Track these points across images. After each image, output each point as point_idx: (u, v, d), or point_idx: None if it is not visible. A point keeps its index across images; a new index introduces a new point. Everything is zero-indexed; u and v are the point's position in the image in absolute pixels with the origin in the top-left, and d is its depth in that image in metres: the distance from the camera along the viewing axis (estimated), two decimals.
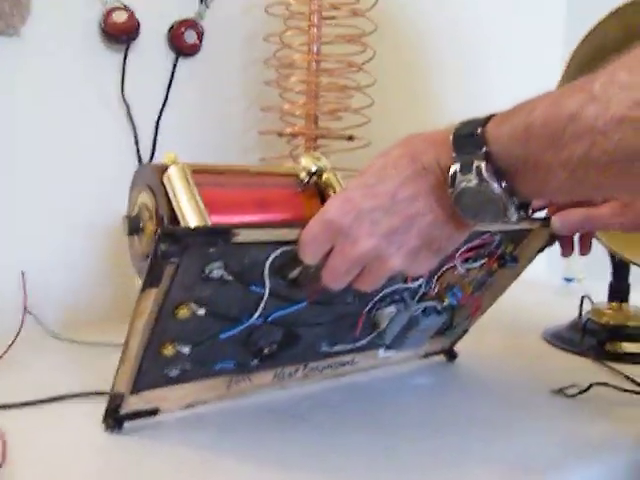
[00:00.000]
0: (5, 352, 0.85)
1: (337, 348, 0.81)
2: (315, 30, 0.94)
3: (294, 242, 0.61)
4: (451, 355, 0.95)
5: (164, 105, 0.98)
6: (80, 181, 0.95)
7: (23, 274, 0.91)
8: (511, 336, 1.09)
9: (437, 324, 0.84)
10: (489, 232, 0.76)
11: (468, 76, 1.32)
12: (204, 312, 0.63)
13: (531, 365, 0.95)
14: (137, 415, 0.70)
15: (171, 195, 0.67)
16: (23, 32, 0.85)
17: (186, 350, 0.66)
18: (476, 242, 0.76)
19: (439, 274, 0.77)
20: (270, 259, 0.61)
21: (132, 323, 0.58)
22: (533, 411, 0.79)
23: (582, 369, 0.93)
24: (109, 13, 0.87)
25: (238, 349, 0.71)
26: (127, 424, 0.69)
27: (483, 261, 0.79)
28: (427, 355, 0.93)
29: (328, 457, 0.65)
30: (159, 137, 0.98)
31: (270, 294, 0.66)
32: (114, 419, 0.68)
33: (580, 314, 1.04)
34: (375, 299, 0.76)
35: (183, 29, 0.94)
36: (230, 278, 0.61)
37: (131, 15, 0.88)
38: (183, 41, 0.94)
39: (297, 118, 1.00)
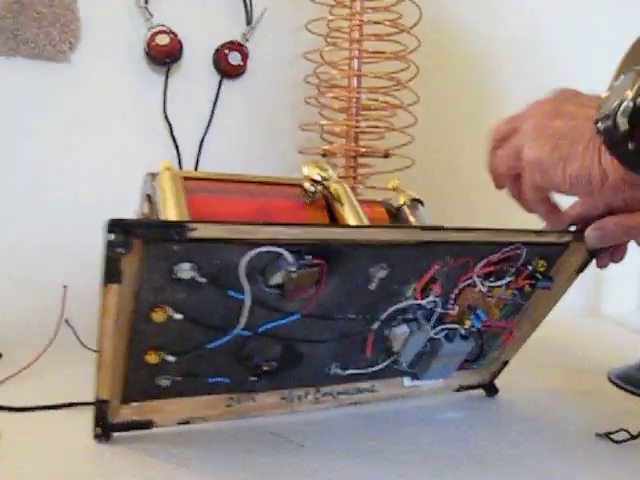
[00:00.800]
0: (35, 360, 0.87)
1: (350, 372, 0.75)
2: (356, 45, 0.92)
3: (272, 243, 0.58)
4: (491, 390, 0.86)
5: (209, 125, 0.99)
6: (121, 199, 0.97)
7: (65, 287, 0.94)
8: (571, 374, 0.98)
9: (464, 351, 0.77)
10: (511, 244, 0.68)
11: (513, 93, 1.24)
12: (182, 317, 0.60)
13: (584, 406, 0.85)
14: (130, 426, 0.68)
15: (159, 200, 0.66)
16: (72, 58, 0.90)
17: (171, 359, 0.64)
18: (496, 255, 0.69)
19: (456, 292, 0.71)
20: (244, 261, 0.58)
21: (100, 322, 0.57)
22: (569, 455, 0.69)
23: None
24: (153, 36, 0.90)
25: (231, 363, 0.68)
26: (121, 435, 0.67)
27: (509, 279, 0.71)
28: (462, 389, 0.85)
29: None
30: (203, 157, 0.99)
31: (256, 302, 0.62)
32: (102, 428, 0.66)
33: None
34: (382, 317, 0.70)
35: (227, 51, 0.95)
36: (203, 281, 0.58)
37: (174, 38, 0.91)
38: (227, 63, 0.96)
39: (337, 137, 0.97)
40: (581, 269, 0.74)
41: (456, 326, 0.74)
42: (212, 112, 0.98)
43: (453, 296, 0.71)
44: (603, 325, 1.37)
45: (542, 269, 0.73)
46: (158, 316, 0.60)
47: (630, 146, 0.49)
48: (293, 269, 0.59)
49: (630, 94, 0.48)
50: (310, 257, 0.60)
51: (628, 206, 0.63)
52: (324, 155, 0.99)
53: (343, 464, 0.65)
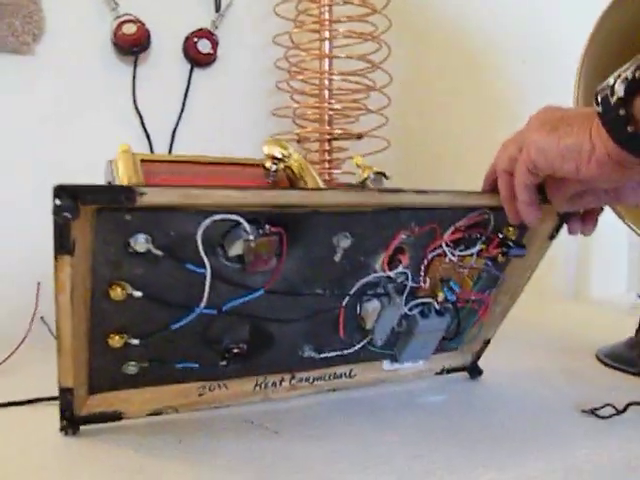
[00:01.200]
0: (8, 357, 0.84)
1: (326, 355, 0.73)
2: (326, 26, 0.91)
3: (228, 211, 0.57)
4: (474, 372, 0.84)
5: (180, 115, 0.98)
6: None
7: (39, 284, 0.92)
8: (558, 354, 0.95)
9: (440, 327, 0.75)
10: (478, 209, 0.67)
11: (489, 72, 1.24)
12: (141, 294, 0.59)
13: (570, 385, 0.82)
14: (98, 419, 0.66)
15: (117, 182, 0.65)
16: (37, 50, 0.89)
17: (136, 342, 0.63)
18: (463, 221, 0.68)
19: (426, 263, 0.69)
20: (200, 231, 0.57)
21: (55, 299, 0.55)
22: (554, 433, 0.67)
23: (634, 389, 0.79)
24: (119, 26, 0.90)
25: (199, 347, 0.66)
26: (89, 428, 0.65)
27: (480, 248, 0.70)
28: (445, 371, 0.82)
29: (284, 472, 0.58)
30: (175, 147, 0.98)
31: (217, 277, 0.61)
32: (68, 421, 0.64)
33: (638, 330, 0.89)
34: (352, 291, 0.68)
35: (196, 39, 0.95)
36: (159, 253, 0.57)
37: (141, 26, 0.90)
38: (197, 51, 0.95)
39: (311, 122, 0.96)
40: (553, 235, 0.72)
41: (429, 300, 0.72)
42: (184, 102, 0.98)
43: (423, 267, 0.69)
44: (592, 307, 1.35)
45: (513, 237, 0.71)
46: (117, 293, 0.58)
47: (621, 112, 0.52)
48: (251, 238, 0.58)
49: (631, 68, 0.51)
50: (269, 227, 0.59)
51: (607, 192, 0.63)
52: (298, 141, 0.98)
53: (320, 449, 0.62)
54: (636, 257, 1.38)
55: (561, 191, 0.64)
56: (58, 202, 0.49)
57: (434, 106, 1.18)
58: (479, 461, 0.60)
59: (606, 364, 0.90)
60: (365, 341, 0.74)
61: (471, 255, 0.70)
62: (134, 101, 0.95)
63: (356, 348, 0.74)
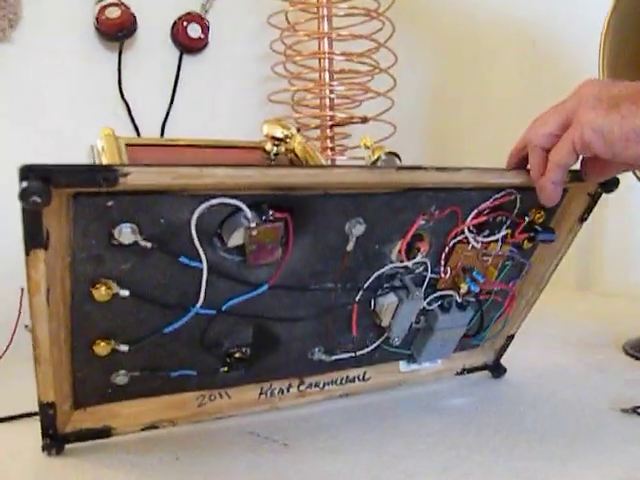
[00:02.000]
0: None
1: (337, 357, 0.66)
2: (324, 2, 0.83)
3: (225, 194, 0.50)
4: (498, 370, 0.76)
5: (171, 104, 0.91)
6: None
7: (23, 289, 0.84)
8: (583, 349, 0.89)
9: (462, 323, 0.68)
10: (503, 189, 0.60)
11: (498, 51, 1.17)
12: (129, 293, 0.52)
13: (601, 381, 0.76)
14: (85, 436, 0.58)
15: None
16: (13, 37, 0.81)
17: (124, 348, 0.55)
18: (487, 204, 0.61)
19: (447, 251, 0.62)
20: (194, 218, 0.50)
21: (30, 302, 0.48)
22: (594, 434, 0.60)
23: None
24: (102, 10, 0.82)
25: (196, 352, 0.59)
26: (75, 447, 0.58)
27: (505, 233, 0.63)
28: (466, 371, 0.75)
29: None
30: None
31: (215, 272, 0.54)
32: (51, 439, 0.56)
33: None
34: (366, 284, 0.61)
35: (185, 23, 0.88)
36: (149, 245, 0.50)
37: (125, 10, 0.83)
38: (187, 36, 0.88)
39: (311, 109, 0.89)
40: (584, 217, 0.65)
41: (451, 292, 0.65)
42: (174, 90, 0.90)
43: (444, 256, 0.62)
44: (608, 298, 1.28)
45: (541, 220, 0.65)
46: (101, 293, 0.51)
47: None
48: (253, 225, 0.51)
49: None
50: (272, 212, 0.52)
51: None
52: (298, 129, 0.91)
53: (333, 463, 0.56)
54: None
55: (604, 172, 0.58)
56: (25, 184, 0.42)
57: (443, 87, 1.11)
58: (518, 471, 0.53)
59: (636, 357, 0.83)
60: (380, 340, 0.67)
61: (496, 241, 0.63)
62: (120, 90, 0.87)
63: (371, 348, 0.67)
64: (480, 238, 0.62)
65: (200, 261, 0.52)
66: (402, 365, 0.72)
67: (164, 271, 0.52)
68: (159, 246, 0.51)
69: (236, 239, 0.52)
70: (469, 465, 0.54)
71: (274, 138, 0.62)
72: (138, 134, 0.87)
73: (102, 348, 0.55)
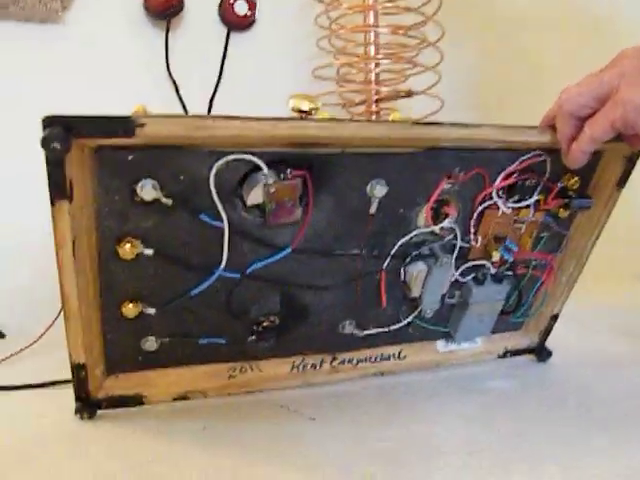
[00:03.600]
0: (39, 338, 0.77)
1: (370, 332, 0.65)
2: None
3: (244, 150, 0.51)
4: (542, 353, 0.73)
5: (218, 82, 0.91)
6: None
7: None
8: (630, 339, 0.84)
9: (499, 297, 0.66)
10: (531, 151, 0.59)
11: (546, 24, 1.12)
12: (153, 252, 0.53)
13: None
14: (117, 402, 0.59)
15: None
16: (66, 18, 0.85)
17: (152, 311, 0.57)
18: (514, 165, 0.59)
19: (476, 217, 0.61)
20: (212, 173, 0.51)
21: (57, 256, 0.50)
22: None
23: None
24: None
25: (224, 318, 0.60)
26: (107, 413, 0.59)
27: (537, 198, 0.61)
28: (509, 354, 0.73)
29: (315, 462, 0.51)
30: None
31: (237, 232, 0.55)
32: (83, 402, 0.58)
33: None
34: (393, 251, 0.61)
35: (232, 0, 0.90)
36: (169, 202, 0.51)
37: None
38: (234, 13, 0.90)
39: (356, 84, 0.88)
40: (622, 181, 0.63)
41: (484, 262, 0.64)
42: (221, 68, 0.91)
43: (473, 223, 0.61)
44: None
45: (575, 186, 0.62)
46: (126, 251, 0.53)
47: None
48: (271, 182, 0.52)
49: None
50: (290, 170, 0.53)
51: None
52: (343, 105, 0.91)
53: (357, 437, 0.55)
54: None
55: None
56: (46, 132, 0.44)
57: (492, 61, 1.08)
58: (551, 457, 0.51)
59: None
60: (414, 315, 0.66)
61: (527, 207, 0.61)
62: (167, 68, 0.89)
63: (404, 323, 0.66)
64: (510, 204, 0.61)
65: (221, 220, 0.53)
66: (440, 344, 0.70)
67: (186, 230, 0.54)
68: (180, 203, 0.52)
69: (255, 197, 0.53)
70: (497, 448, 0.52)
71: (300, 111, 0.63)
72: (186, 111, 0.89)
73: (130, 310, 0.56)
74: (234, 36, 0.94)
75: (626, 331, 0.85)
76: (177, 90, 0.90)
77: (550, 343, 0.74)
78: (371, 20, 0.83)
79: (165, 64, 0.90)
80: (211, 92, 0.93)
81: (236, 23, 0.91)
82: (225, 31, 0.93)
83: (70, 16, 0.86)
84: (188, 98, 0.92)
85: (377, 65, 0.85)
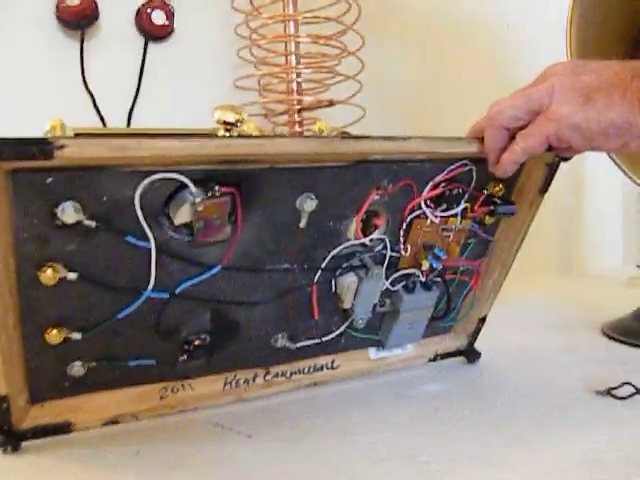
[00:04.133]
0: None
1: (303, 344, 0.65)
2: None
3: (169, 169, 0.49)
4: (472, 355, 0.75)
5: (137, 93, 0.89)
6: None
7: None
8: (560, 331, 0.87)
9: (428, 304, 0.67)
10: (457, 161, 0.60)
11: (475, 35, 1.15)
12: (77, 276, 0.51)
13: (578, 363, 0.74)
14: (42, 432, 0.57)
15: None
16: None
17: (77, 336, 0.54)
18: (441, 176, 0.60)
19: (405, 227, 0.62)
20: (137, 194, 0.49)
21: None
22: (565, 416, 0.59)
23: None
24: None
25: (153, 339, 0.58)
26: (33, 444, 0.56)
27: (463, 206, 0.62)
28: (439, 357, 0.74)
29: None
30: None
31: (165, 252, 0.53)
32: (6, 436, 0.55)
33: None
34: (323, 264, 0.61)
35: (149, 10, 0.87)
36: (93, 224, 0.49)
37: None
38: (151, 23, 0.87)
39: (278, 94, 0.88)
40: (544, 188, 0.65)
41: (414, 271, 0.64)
42: (140, 79, 0.88)
43: (402, 232, 0.62)
44: (586, 281, 1.27)
45: (500, 193, 0.64)
46: (47, 276, 0.50)
47: None
48: (198, 201, 0.50)
49: None
50: (219, 187, 0.52)
51: None
52: (265, 115, 0.90)
53: (296, 453, 0.54)
54: (632, 227, 1.31)
55: (576, 152, 0.58)
56: None
57: (413, 71, 1.09)
58: (485, 459, 0.51)
59: (614, 339, 0.82)
60: (345, 325, 0.66)
61: (455, 215, 0.62)
62: (83, 80, 0.85)
63: (336, 334, 0.66)
64: (438, 213, 0.62)
65: (147, 240, 0.51)
66: (371, 352, 0.70)
67: (112, 252, 0.52)
68: (104, 225, 0.50)
69: (182, 216, 0.52)
70: (435, 452, 0.53)
71: (226, 123, 0.61)
72: (104, 124, 0.86)
73: (54, 336, 0.54)
74: (152, 46, 0.91)
75: (555, 324, 0.88)
76: (94, 102, 0.87)
77: (479, 344, 0.76)
78: (291, 30, 0.83)
79: (81, 76, 0.86)
80: (130, 104, 0.90)
81: (154, 33, 0.88)
82: (143, 41, 0.90)
83: None
84: (106, 110, 0.89)
85: (298, 75, 0.84)
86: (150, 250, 0.52)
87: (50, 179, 0.47)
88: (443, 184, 0.60)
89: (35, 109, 0.80)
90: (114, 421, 0.59)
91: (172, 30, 0.91)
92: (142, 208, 0.50)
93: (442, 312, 0.69)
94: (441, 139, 0.56)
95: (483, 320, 0.73)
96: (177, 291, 0.56)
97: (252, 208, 0.54)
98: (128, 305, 0.54)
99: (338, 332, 0.66)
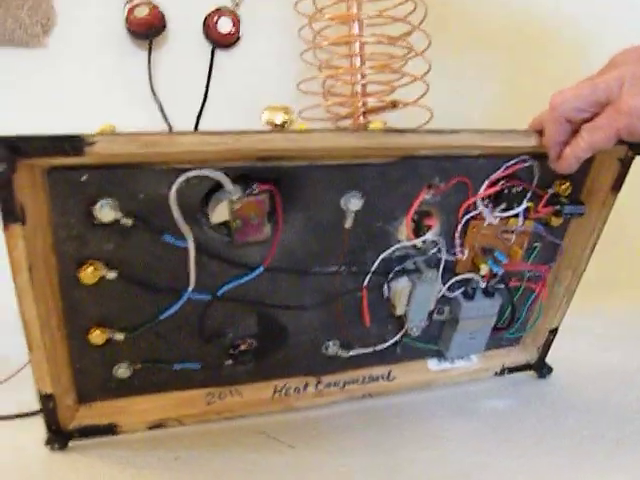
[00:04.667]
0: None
1: (356, 352, 0.62)
2: None
3: (203, 165, 0.48)
4: (542, 369, 0.69)
5: (204, 100, 0.89)
6: None
7: None
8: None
9: (490, 312, 0.62)
10: (515, 157, 0.56)
11: (550, 24, 1.08)
12: (116, 275, 0.51)
13: None
14: (89, 432, 0.57)
15: None
16: (47, 42, 0.83)
17: (120, 337, 0.54)
18: (499, 172, 0.56)
19: (461, 228, 0.58)
20: (173, 191, 0.48)
21: (14, 282, 0.48)
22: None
23: None
24: (131, 10, 0.84)
25: (198, 342, 0.57)
26: (80, 444, 0.57)
27: (526, 206, 0.57)
28: (507, 371, 0.69)
29: None
30: None
31: (204, 252, 0.52)
32: (54, 433, 0.55)
33: None
34: (373, 268, 0.58)
35: (216, 18, 0.88)
36: (130, 223, 0.49)
37: (153, 9, 0.84)
38: (217, 31, 0.88)
39: (342, 97, 0.85)
40: (617, 186, 0.59)
41: (472, 276, 0.60)
42: (207, 85, 0.89)
43: (458, 234, 0.58)
44: None
45: (567, 192, 0.59)
46: (88, 275, 0.50)
47: None
48: (235, 198, 0.49)
49: None
50: (257, 185, 0.50)
51: None
52: (330, 119, 0.88)
53: (337, 466, 0.52)
54: None
55: None
56: None
57: (480, 70, 1.04)
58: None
59: None
60: (400, 333, 0.62)
61: (516, 216, 0.58)
62: (151, 88, 0.87)
63: (391, 342, 0.63)
64: (497, 213, 0.57)
65: (186, 240, 0.50)
66: (431, 363, 0.66)
67: (150, 251, 0.51)
68: (141, 224, 0.50)
69: (219, 214, 0.50)
70: (487, 474, 0.49)
71: (275, 125, 0.60)
72: (171, 131, 0.87)
73: (97, 337, 0.54)
74: (219, 53, 0.92)
75: (631, 341, 0.81)
76: (162, 109, 0.88)
77: (553, 358, 0.70)
78: (356, 30, 0.81)
79: (149, 84, 0.88)
80: (197, 110, 0.91)
81: (220, 40, 0.89)
82: (210, 49, 0.91)
83: (52, 40, 0.84)
84: (174, 117, 0.90)
85: (363, 77, 0.82)
86: (188, 249, 0.51)
87: (85, 177, 0.47)
88: (502, 182, 0.56)
89: (104, 117, 0.82)
90: (159, 425, 0.59)
91: (238, 37, 0.91)
92: (179, 206, 0.49)
93: (507, 322, 0.64)
94: (495, 132, 0.52)
95: (555, 331, 0.68)
96: (219, 293, 0.54)
97: (293, 207, 0.53)
98: (169, 306, 0.54)
99: (393, 341, 0.62)
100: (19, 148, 0.43)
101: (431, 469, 0.51)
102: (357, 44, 0.81)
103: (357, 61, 0.82)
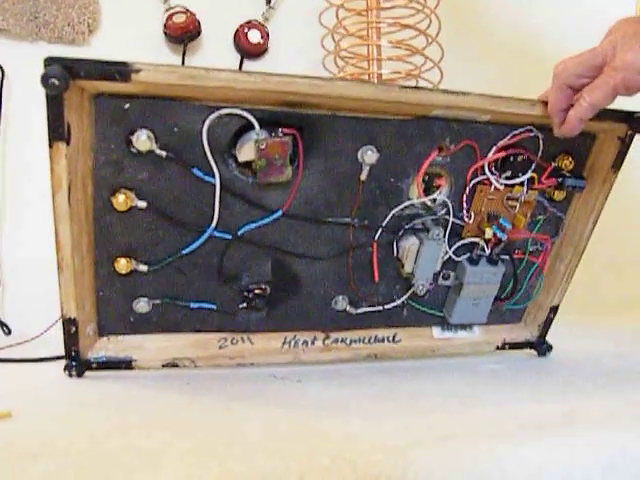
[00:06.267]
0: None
1: (364, 310, 0.65)
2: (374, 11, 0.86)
3: (235, 105, 0.53)
4: (542, 347, 0.72)
5: None
6: None
7: None
8: None
9: (493, 279, 0.66)
10: (520, 126, 0.60)
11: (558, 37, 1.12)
12: (146, 205, 0.55)
13: None
14: (106, 364, 0.60)
15: None
16: (91, 41, 0.90)
17: (144, 268, 0.58)
18: (505, 140, 0.60)
19: (468, 192, 0.62)
20: (205, 127, 0.53)
21: (53, 201, 0.52)
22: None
23: None
24: (170, 17, 0.91)
25: (214, 282, 0.60)
26: (96, 374, 0.60)
27: (529, 176, 0.61)
28: (507, 346, 0.71)
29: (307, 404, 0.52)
30: None
31: (229, 190, 0.56)
32: (73, 360, 0.59)
33: None
34: (384, 222, 0.61)
35: (246, 29, 0.95)
36: (163, 154, 0.53)
37: (190, 16, 0.91)
38: (247, 41, 0.95)
39: None
40: (617, 164, 0.63)
41: (477, 240, 0.64)
42: None
43: (465, 198, 0.62)
44: None
45: (570, 167, 0.63)
46: (120, 202, 0.55)
47: None
48: (262, 138, 0.54)
49: None
50: (281, 129, 0.55)
51: None
52: None
53: (337, 394, 0.55)
54: None
55: None
56: (46, 70, 0.47)
57: (492, 80, 1.09)
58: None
59: None
60: (407, 295, 0.65)
61: (521, 185, 0.62)
62: None
63: (398, 303, 0.66)
64: (502, 179, 0.61)
65: (213, 176, 0.55)
66: (436, 331, 0.69)
67: (179, 184, 0.55)
68: (174, 156, 0.54)
69: (246, 153, 0.55)
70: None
71: None
72: None
73: (123, 266, 0.57)
74: (247, 63, 0.98)
75: None
76: None
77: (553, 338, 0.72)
78: (374, 37, 0.87)
79: None
80: None
81: (249, 50, 0.96)
82: (239, 58, 0.98)
83: (95, 39, 0.91)
84: None
85: (380, 73, 0.87)
86: (215, 186, 0.55)
87: (127, 105, 0.52)
88: (508, 149, 0.60)
89: None
90: (173, 364, 0.62)
91: (266, 49, 0.98)
92: (209, 143, 0.53)
93: (509, 293, 0.67)
94: (502, 98, 0.57)
95: (555, 309, 0.70)
96: (239, 233, 0.58)
97: (313, 154, 0.57)
98: (192, 242, 0.57)
99: (400, 301, 0.65)
100: (73, 68, 0.48)
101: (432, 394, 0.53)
102: (375, 49, 0.87)
103: (374, 66, 0.87)
